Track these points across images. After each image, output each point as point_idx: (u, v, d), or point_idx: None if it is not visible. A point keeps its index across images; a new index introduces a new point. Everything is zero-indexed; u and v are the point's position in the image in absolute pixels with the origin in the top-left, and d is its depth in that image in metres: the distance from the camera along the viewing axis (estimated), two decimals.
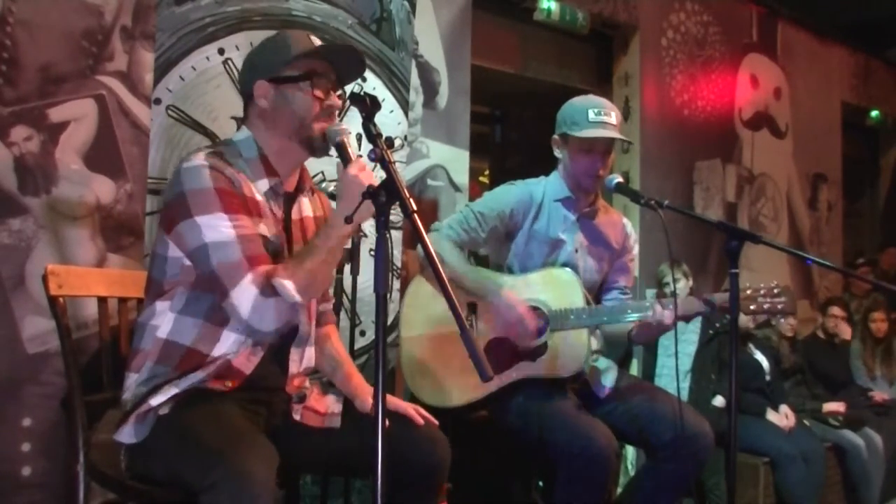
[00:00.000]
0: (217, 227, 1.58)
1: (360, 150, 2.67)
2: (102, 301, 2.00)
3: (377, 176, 1.53)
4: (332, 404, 1.85)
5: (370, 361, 2.60)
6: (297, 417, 1.81)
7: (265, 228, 1.67)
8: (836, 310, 4.63)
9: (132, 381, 1.70)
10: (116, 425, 1.69)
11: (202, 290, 1.67)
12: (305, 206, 1.86)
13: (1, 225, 2.35)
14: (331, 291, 2.05)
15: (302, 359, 1.82)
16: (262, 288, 1.56)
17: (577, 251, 2.41)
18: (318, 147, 1.72)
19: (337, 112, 1.74)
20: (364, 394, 1.85)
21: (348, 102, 2.31)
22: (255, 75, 1.74)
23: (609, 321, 2.30)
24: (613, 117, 2.31)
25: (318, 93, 1.71)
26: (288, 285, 1.55)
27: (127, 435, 1.65)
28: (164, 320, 1.69)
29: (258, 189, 1.71)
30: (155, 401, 1.63)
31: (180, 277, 1.68)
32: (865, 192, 7.06)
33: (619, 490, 2.72)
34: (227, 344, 1.68)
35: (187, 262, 1.66)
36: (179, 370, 1.67)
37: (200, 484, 1.46)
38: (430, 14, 3.51)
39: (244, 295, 1.55)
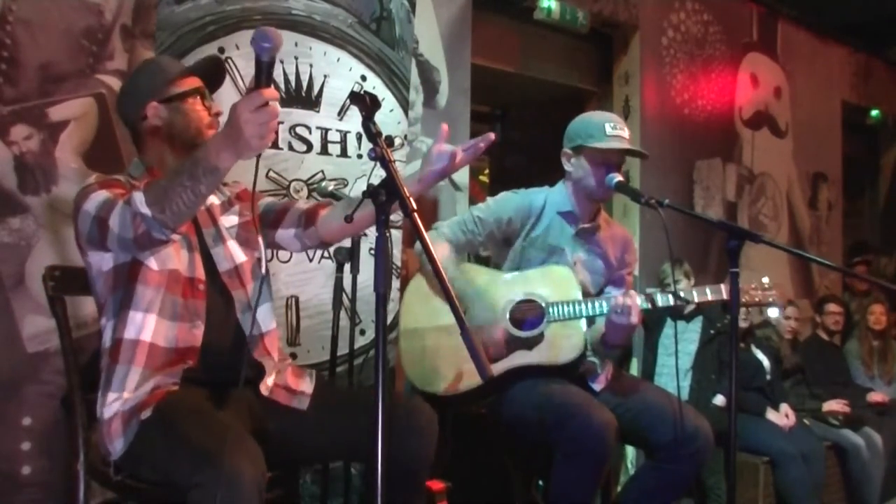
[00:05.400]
0: (95, 198, 1.69)
1: (360, 149, 2.69)
2: None
3: (377, 175, 1.53)
4: (304, 385, 1.88)
5: (370, 360, 2.60)
6: (266, 393, 1.81)
7: None
8: (832, 307, 4.62)
9: (100, 407, 1.73)
10: (99, 447, 1.71)
11: (116, 286, 1.74)
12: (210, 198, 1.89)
13: (1, 224, 2.35)
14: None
15: (257, 321, 1.84)
16: (125, 201, 1.64)
17: (575, 264, 2.45)
18: None
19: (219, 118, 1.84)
20: None
21: (348, 101, 2.31)
22: (143, 99, 1.84)
23: (600, 313, 2.34)
24: (627, 132, 2.40)
25: (207, 103, 1.85)
26: (137, 196, 1.60)
27: (114, 451, 1.68)
28: (104, 334, 1.77)
29: None
30: (110, 409, 1.68)
31: (104, 289, 1.76)
32: (865, 191, 7.04)
33: (619, 489, 2.72)
34: (134, 326, 1.71)
35: (105, 269, 1.74)
36: (123, 364, 1.71)
37: (188, 482, 1.48)
38: (431, 13, 3.51)
39: (115, 212, 1.64)
